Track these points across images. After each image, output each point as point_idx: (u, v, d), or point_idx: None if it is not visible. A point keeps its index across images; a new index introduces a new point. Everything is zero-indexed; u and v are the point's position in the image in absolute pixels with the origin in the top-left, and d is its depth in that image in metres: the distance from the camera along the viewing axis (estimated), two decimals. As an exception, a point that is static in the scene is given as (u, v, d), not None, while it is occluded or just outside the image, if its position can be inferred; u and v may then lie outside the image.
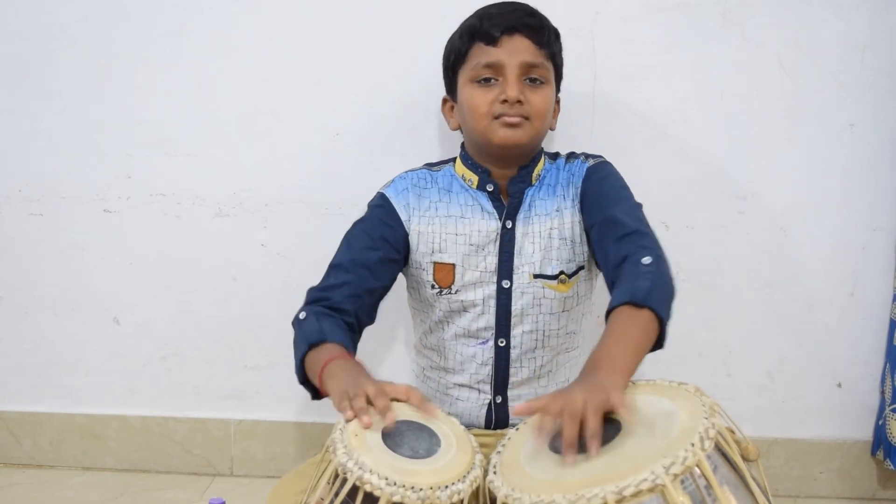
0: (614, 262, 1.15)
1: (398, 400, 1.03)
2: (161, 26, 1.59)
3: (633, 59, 1.54)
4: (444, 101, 1.36)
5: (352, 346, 1.19)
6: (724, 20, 1.52)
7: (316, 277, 1.27)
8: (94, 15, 1.59)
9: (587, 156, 1.32)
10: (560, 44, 1.31)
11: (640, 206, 1.25)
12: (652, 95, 1.56)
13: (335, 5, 1.56)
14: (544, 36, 1.26)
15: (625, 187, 1.27)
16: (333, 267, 1.26)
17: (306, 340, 1.16)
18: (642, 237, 1.16)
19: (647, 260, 1.10)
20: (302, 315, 1.21)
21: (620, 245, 1.15)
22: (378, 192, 1.33)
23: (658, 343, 1.08)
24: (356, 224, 1.30)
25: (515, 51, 1.23)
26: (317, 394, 1.17)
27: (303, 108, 1.60)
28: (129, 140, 1.64)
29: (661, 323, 1.06)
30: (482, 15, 1.27)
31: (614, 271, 1.14)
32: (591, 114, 1.55)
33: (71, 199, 1.67)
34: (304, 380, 1.18)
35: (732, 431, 0.93)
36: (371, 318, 1.27)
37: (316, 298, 1.23)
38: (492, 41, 1.23)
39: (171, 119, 1.62)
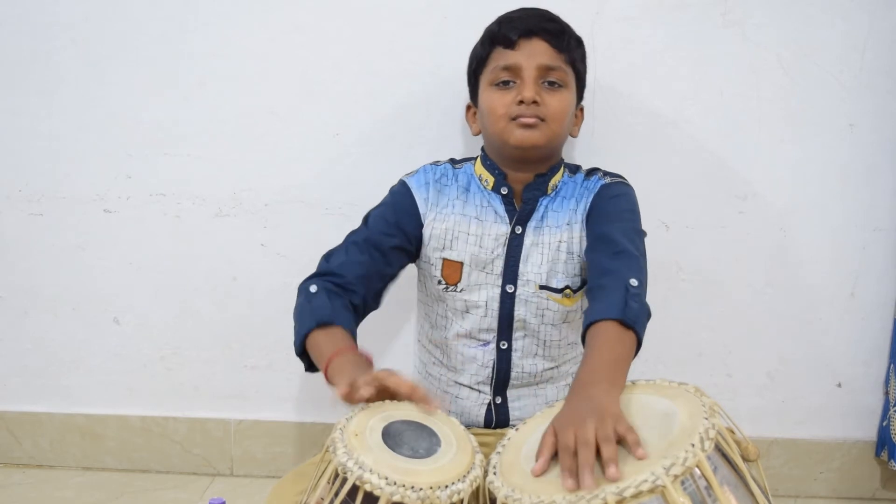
0: (598, 273, 1.15)
1: (398, 395, 1.04)
2: (161, 26, 1.59)
3: (633, 59, 1.54)
4: (468, 107, 1.37)
5: (356, 329, 1.20)
6: (724, 20, 1.52)
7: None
8: (95, 15, 1.59)
9: (605, 173, 1.32)
10: (583, 51, 1.31)
11: (642, 232, 1.24)
12: (652, 95, 1.56)
13: (335, 6, 1.56)
14: (564, 40, 1.26)
15: (632, 210, 1.27)
16: (349, 243, 1.27)
17: (315, 317, 1.17)
18: (633, 259, 1.16)
19: (634, 282, 1.10)
20: (313, 288, 1.22)
21: (609, 260, 1.16)
22: (401, 180, 1.34)
23: None
24: (376, 207, 1.32)
25: (533, 54, 1.24)
26: (311, 367, 1.18)
27: (303, 108, 1.60)
28: (129, 140, 1.63)
29: (637, 348, 1.07)
30: (502, 20, 1.28)
31: (597, 280, 1.14)
32: (591, 114, 1.55)
33: (71, 199, 1.67)
34: (303, 352, 1.18)
35: (732, 431, 0.93)
36: (377, 303, 1.29)
37: (327, 272, 1.24)
38: (510, 44, 1.25)
39: (171, 119, 1.62)
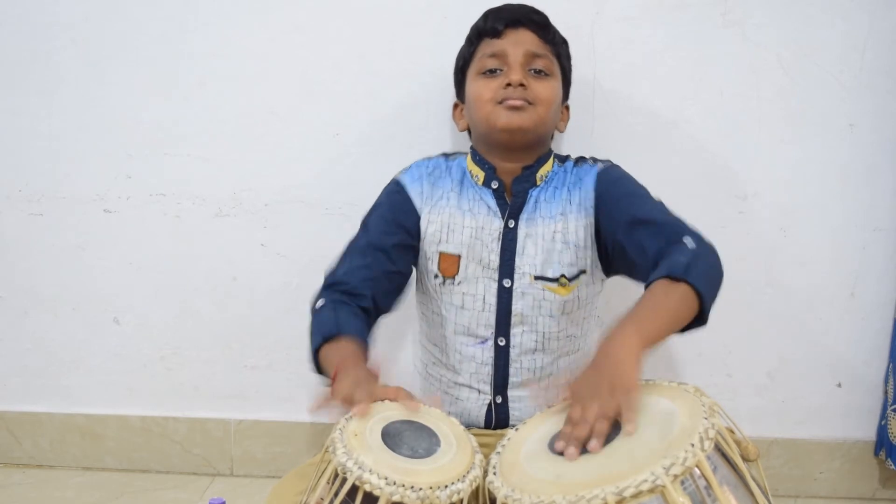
0: (654, 254, 1.14)
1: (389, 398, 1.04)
2: (161, 26, 1.59)
3: (633, 59, 1.54)
4: (455, 105, 1.38)
5: (366, 333, 1.20)
6: (724, 20, 1.52)
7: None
8: (95, 15, 1.59)
9: (595, 160, 1.32)
10: (567, 49, 1.33)
11: (662, 202, 1.25)
12: (652, 95, 1.55)
13: (335, 6, 1.56)
14: (549, 32, 1.29)
15: (641, 186, 1.28)
16: (350, 250, 1.28)
17: (321, 333, 1.16)
18: (680, 226, 1.17)
19: (689, 242, 1.11)
20: (319, 303, 1.22)
21: (659, 237, 1.16)
22: (394, 179, 1.34)
23: (699, 320, 1.07)
24: (372, 210, 1.32)
25: (519, 41, 1.26)
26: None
27: (303, 108, 1.60)
28: (129, 140, 1.63)
29: (701, 299, 1.05)
30: (488, 14, 1.31)
31: (655, 260, 1.14)
32: (591, 114, 1.55)
33: (71, 199, 1.67)
34: (320, 370, 1.18)
35: (732, 431, 0.93)
36: (388, 304, 1.29)
37: (333, 283, 1.24)
38: (496, 34, 1.27)
39: (171, 119, 1.62)
